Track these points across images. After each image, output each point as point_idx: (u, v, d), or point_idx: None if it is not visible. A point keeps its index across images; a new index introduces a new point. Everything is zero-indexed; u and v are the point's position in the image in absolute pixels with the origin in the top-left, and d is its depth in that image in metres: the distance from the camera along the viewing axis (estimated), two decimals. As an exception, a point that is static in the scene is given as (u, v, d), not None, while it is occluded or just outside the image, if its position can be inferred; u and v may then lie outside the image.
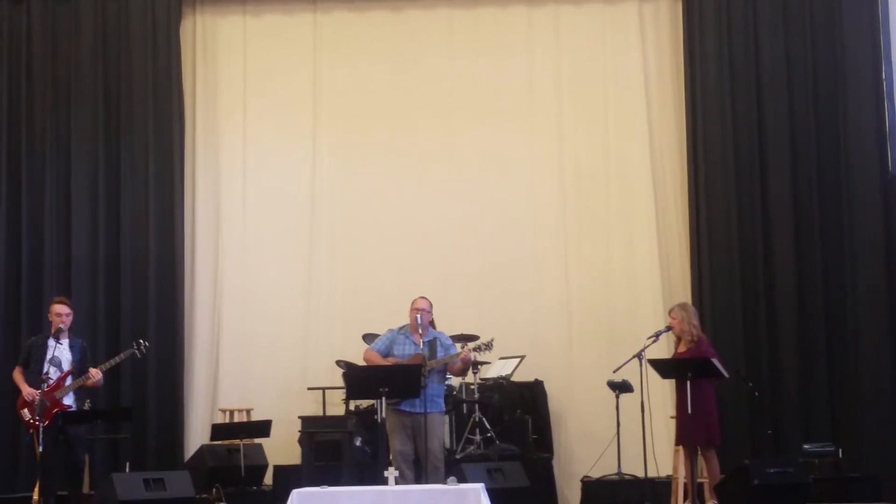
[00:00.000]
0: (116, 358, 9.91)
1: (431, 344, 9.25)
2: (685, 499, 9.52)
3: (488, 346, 9.30)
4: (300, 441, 10.60)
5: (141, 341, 10.01)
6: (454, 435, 10.74)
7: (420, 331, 9.22)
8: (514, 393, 11.35)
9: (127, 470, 10.44)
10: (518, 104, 12.11)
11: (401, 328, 9.39)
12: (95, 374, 9.53)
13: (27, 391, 9.41)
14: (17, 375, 9.60)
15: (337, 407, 11.33)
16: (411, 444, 9.13)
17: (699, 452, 9.40)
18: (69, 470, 9.47)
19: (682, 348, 9.48)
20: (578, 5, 12.19)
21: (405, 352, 9.24)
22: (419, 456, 9.15)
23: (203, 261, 12.00)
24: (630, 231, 11.85)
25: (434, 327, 9.53)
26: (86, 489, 9.86)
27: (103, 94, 11.87)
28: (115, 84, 11.91)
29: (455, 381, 10.59)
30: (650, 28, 12.09)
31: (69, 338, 9.67)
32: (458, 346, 9.73)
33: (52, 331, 9.61)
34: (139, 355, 10.01)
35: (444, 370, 9.30)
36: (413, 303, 9.37)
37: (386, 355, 9.29)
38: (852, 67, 11.34)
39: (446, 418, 10.46)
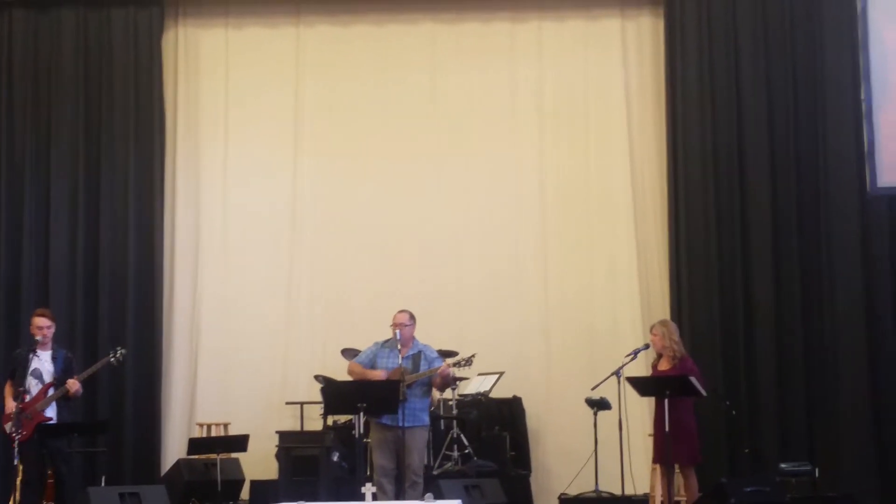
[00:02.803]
0: (93, 367, 9.86)
1: (415, 357, 9.22)
2: (662, 517, 9.53)
3: (468, 361, 9.29)
4: (277, 456, 10.60)
5: (118, 349, 9.95)
6: (431, 451, 10.70)
7: (399, 346, 9.18)
8: (492, 409, 11.34)
9: (103, 484, 10.38)
10: (500, 119, 12.12)
11: (385, 341, 9.35)
12: (73, 384, 9.49)
13: (9, 405, 9.38)
14: (8, 389, 9.58)
15: (315, 422, 11.31)
16: (393, 459, 9.08)
17: (676, 470, 9.42)
18: (55, 484, 9.42)
19: (663, 365, 9.48)
20: (561, 20, 12.22)
21: (388, 365, 9.20)
22: (401, 471, 9.13)
23: (182, 273, 11.94)
24: (610, 247, 11.86)
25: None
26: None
27: (84, 105, 11.84)
28: (97, 95, 11.87)
29: (434, 396, 10.54)
30: (632, 44, 12.12)
31: (53, 349, 9.65)
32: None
33: (34, 343, 9.58)
34: (115, 363, 9.95)
35: (427, 384, 9.25)
36: (393, 317, 9.33)
37: (370, 368, 9.26)
38: (832, 87, 11.38)
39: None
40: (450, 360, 9.31)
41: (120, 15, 11.91)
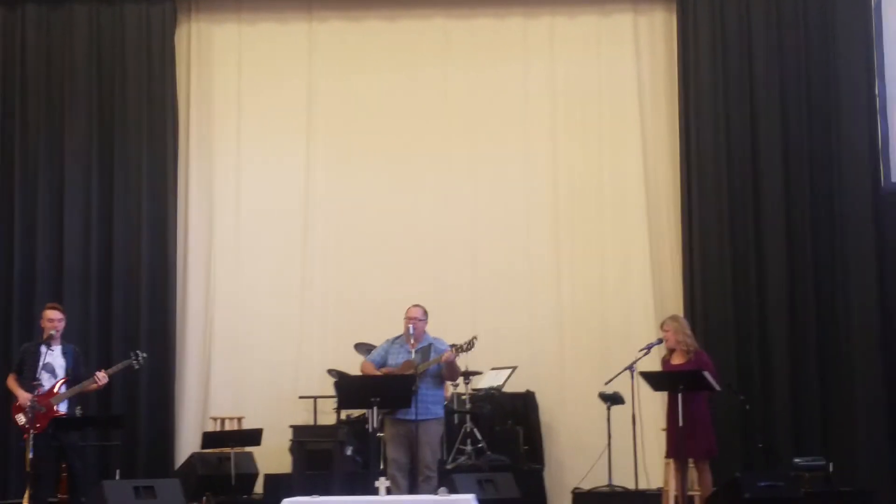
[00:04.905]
0: (116, 367, 9.83)
1: (424, 350, 9.20)
2: (676, 511, 9.52)
3: (470, 345, 9.20)
4: (291, 450, 10.61)
5: (138, 352, 9.96)
6: (445, 445, 10.71)
7: (412, 340, 9.18)
8: (505, 404, 11.34)
9: (117, 477, 10.40)
10: (513, 115, 12.12)
11: (396, 338, 9.35)
12: (102, 377, 9.50)
13: (23, 396, 9.38)
14: (12, 382, 9.56)
15: (328, 416, 11.32)
16: (406, 453, 9.07)
17: (690, 464, 9.41)
18: (69, 477, 9.45)
19: (677, 360, 9.46)
20: (573, 17, 12.22)
21: (398, 360, 9.20)
22: (414, 465, 9.12)
23: (195, 269, 11.96)
24: (623, 242, 11.86)
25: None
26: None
27: (97, 101, 11.86)
28: (110, 91, 11.90)
29: (447, 390, 10.53)
30: (644, 40, 12.12)
31: (61, 344, 9.63)
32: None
33: (44, 337, 9.57)
34: (136, 366, 9.96)
35: (438, 375, 9.21)
36: (406, 311, 9.33)
37: (381, 366, 9.26)
38: (846, 83, 11.38)
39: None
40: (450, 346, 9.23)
41: (133, 10, 11.94)
